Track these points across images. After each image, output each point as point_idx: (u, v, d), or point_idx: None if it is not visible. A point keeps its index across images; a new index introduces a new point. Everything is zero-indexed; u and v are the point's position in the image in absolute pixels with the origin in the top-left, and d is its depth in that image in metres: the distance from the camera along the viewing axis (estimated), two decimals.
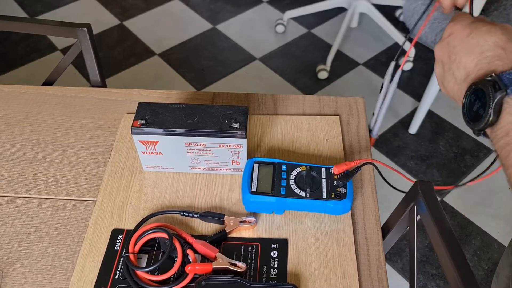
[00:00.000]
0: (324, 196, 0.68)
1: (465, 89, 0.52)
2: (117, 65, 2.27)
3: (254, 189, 0.69)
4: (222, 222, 0.70)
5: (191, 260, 0.65)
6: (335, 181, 0.70)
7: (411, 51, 2.24)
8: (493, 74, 0.48)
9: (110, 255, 0.67)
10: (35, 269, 0.66)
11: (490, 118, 0.48)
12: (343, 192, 0.68)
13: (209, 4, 2.61)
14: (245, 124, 0.70)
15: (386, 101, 0.60)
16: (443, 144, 1.95)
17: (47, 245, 0.69)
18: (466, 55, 0.52)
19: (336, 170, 0.70)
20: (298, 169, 0.71)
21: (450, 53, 0.54)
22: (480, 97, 0.49)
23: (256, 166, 0.72)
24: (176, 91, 0.91)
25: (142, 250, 0.67)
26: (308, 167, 0.71)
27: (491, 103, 0.47)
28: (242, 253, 0.67)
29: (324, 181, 0.70)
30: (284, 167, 0.71)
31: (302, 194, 0.68)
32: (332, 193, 0.68)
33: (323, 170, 0.71)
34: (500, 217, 1.69)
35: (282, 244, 0.68)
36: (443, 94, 2.18)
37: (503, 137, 0.47)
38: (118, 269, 0.65)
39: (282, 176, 0.70)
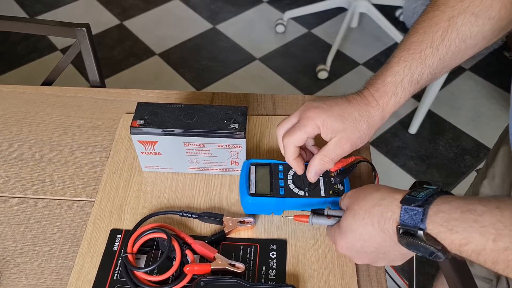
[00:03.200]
0: (322, 194, 0.68)
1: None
2: (117, 65, 2.27)
3: (252, 191, 0.68)
4: (221, 223, 0.69)
5: (189, 260, 0.64)
6: (332, 179, 0.70)
7: None
8: (398, 226, 0.49)
9: (108, 255, 0.67)
10: (33, 269, 0.66)
11: (444, 257, 0.46)
12: (341, 189, 0.68)
13: (209, 4, 2.61)
14: (244, 124, 0.69)
15: None
16: (443, 144, 1.95)
17: (45, 245, 0.69)
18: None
19: (332, 167, 0.70)
20: None
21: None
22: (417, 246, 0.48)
23: (252, 168, 0.71)
24: (175, 91, 0.91)
25: (140, 251, 0.67)
26: (304, 165, 0.71)
27: (430, 247, 0.46)
28: (241, 254, 0.67)
29: (321, 179, 0.70)
30: (280, 167, 0.71)
31: (301, 193, 0.68)
32: (330, 191, 0.68)
33: None
34: None
35: (281, 244, 0.68)
36: (442, 94, 2.18)
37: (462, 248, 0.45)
38: (117, 269, 0.65)
39: (280, 177, 0.70)
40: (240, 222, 0.69)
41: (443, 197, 0.47)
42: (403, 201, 0.49)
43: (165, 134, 0.69)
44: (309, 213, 0.63)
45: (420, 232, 0.46)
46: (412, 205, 0.47)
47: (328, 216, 0.62)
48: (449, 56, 0.60)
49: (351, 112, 0.62)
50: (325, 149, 0.63)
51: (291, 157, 0.65)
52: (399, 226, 0.48)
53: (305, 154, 0.69)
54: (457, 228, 0.44)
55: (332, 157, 0.63)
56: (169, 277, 0.63)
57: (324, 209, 0.63)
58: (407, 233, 0.47)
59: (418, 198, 0.48)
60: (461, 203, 0.45)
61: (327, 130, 0.61)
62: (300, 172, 0.67)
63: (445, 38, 0.59)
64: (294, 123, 0.64)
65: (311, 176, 0.65)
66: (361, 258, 0.57)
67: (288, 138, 0.64)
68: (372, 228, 0.52)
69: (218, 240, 0.68)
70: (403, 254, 0.54)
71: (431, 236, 0.46)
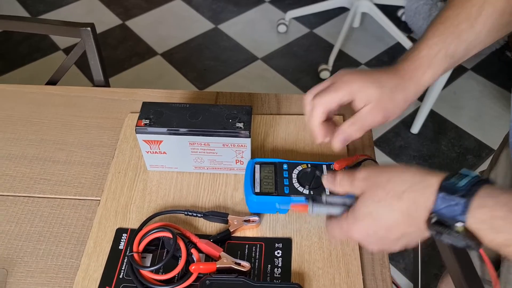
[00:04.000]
0: (327, 192, 0.68)
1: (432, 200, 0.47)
2: (120, 64, 2.28)
3: (257, 189, 0.69)
4: (226, 222, 0.70)
5: (195, 259, 0.65)
6: None
7: None
8: (431, 215, 0.45)
9: (114, 254, 0.67)
10: (39, 268, 0.67)
11: (476, 250, 0.44)
12: None
13: (211, 4, 2.61)
14: (249, 123, 0.70)
15: None
16: (445, 144, 1.95)
17: (51, 244, 0.69)
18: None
19: (337, 166, 0.70)
20: (299, 168, 0.71)
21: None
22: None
23: (257, 167, 0.71)
24: (179, 91, 0.91)
25: (146, 250, 0.67)
26: (309, 164, 0.71)
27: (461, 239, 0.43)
28: (246, 253, 0.67)
29: None
30: (285, 166, 0.71)
31: (306, 191, 0.68)
32: None
33: (324, 167, 0.71)
34: None
35: (286, 243, 0.68)
36: (445, 93, 2.17)
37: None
38: (123, 268, 0.66)
39: (284, 175, 0.70)
40: (245, 221, 0.69)
41: (487, 188, 0.43)
42: (441, 189, 0.44)
43: (170, 134, 0.70)
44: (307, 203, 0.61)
45: (458, 225, 0.43)
46: (453, 195, 0.43)
47: (328, 203, 0.59)
48: (485, 32, 0.58)
49: (387, 81, 0.59)
50: (357, 115, 0.60)
51: (316, 119, 0.61)
52: (432, 215, 0.45)
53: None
54: (501, 228, 0.41)
55: (363, 124, 0.60)
56: (174, 276, 0.64)
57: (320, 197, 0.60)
58: (440, 224, 0.44)
59: (459, 187, 0.43)
60: (509, 199, 0.41)
61: (362, 96, 0.58)
62: (319, 139, 0.63)
63: (482, 13, 0.57)
64: (327, 87, 0.61)
65: (337, 143, 0.62)
66: (379, 245, 0.53)
67: (319, 98, 0.60)
68: (400, 215, 0.48)
69: (224, 239, 0.68)
70: (421, 238, 0.50)
71: (468, 231, 0.43)
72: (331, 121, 0.65)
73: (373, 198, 0.50)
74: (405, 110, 0.61)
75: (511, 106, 0.67)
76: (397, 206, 0.48)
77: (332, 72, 2.19)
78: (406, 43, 2.21)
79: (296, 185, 0.69)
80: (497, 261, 0.82)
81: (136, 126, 0.69)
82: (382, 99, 0.58)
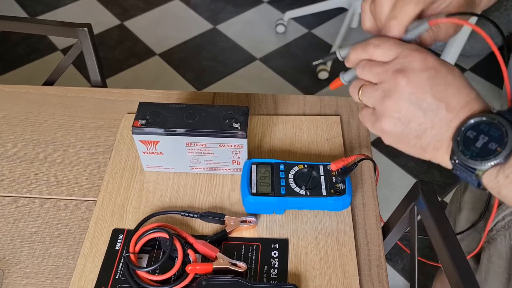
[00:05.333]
0: (324, 193, 0.68)
1: (455, 127, 0.45)
2: (118, 65, 2.27)
3: (254, 190, 0.69)
4: (223, 222, 0.70)
5: (191, 260, 0.65)
6: (333, 178, 0.70)
7: None
8: (492, 109, 0.45)
9: (110, 255, 0.67)
10: (35, 269, 0.66)
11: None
12: (342, 188, 0.69)
13: (210, 4, 2.61)
14: (246, 124, 0.70)
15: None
16: None
17: (47, 245, 0.69)
18: (453, 91, 0.46)
19: (333, 166, 0.70)
20: (296, 168, 0.71)
21: (419, 94, 0.46)
22: (486, 131, 0.44)
23: (254, 167, 0.71)
24: (176, 91, 0.91)
25: (142, 250, 0.67)
26: (305, 165, 0.71)
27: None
28: (242, 253, 0.67)
29: (322, 178, 0.70)
30: (282, 167, 0.71)
31: (302, 192, 0.68)
32: (332, 190, 0.68)
33: (321, 167, 0.71)
34: None
35: (283, 244, 0.68)
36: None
37: None
38: (119, 269, 0.65)
39: (281, 176, 0.70)
40: (242, 221, 0.69)
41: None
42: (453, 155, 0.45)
43: (167, 134, 0.69)
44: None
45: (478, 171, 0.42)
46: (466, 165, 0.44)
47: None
48: None
49: None
50: None
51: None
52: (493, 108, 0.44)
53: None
54: None
55: None
56: (171, 277, 0.64)
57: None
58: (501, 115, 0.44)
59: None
60: None
61: None
62: (367, 25, 0.54)
63: None
64: None
65: (398, 25, 0.50)
66: (400, 138, 0.48)
67: None
68: (430, 114, 0.45)
69: (220, 240, 0.68)
70: (446, 125, 0.46)
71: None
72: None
73: (430, 73, 0.46)
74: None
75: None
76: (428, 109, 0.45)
77: (331, 73, 2.19)
78: None
79: (293, 185, 0.69)
80: (478, 254, 0.83)
81: (133, 126, 0.69)
82: None
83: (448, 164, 0.47)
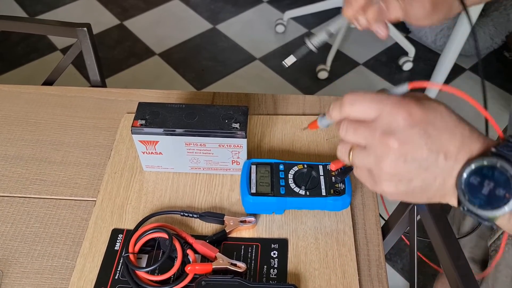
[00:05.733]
0: (323, 193, 0.68)
1: (457, 174, 0.43)
2: (117, 65, 2.27)
3: (253, 190, 0.69)
4: (222, 222, 0.70)
5: (191, 260, 0.65)
6: (333, 178, 0.70)
7: (411, 51, 2.24)
8: (492, 148, 0.42)
9: (110, 255, 0.67)
10: (35, 269, 0.66)
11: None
12: (341, 188, 0.68)
13: (209, 4, 2.61)
14: (245, 124, 0.70)
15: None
16: None
17: (47, 245, 0.69)
18: (447, 137, 0.43)
19: (333, 166, 0.70)
20: (295, 168, 0.71)
21: (418, 140, 0.43)
22: (491, 175, 0.41)
23: (253, 167, 0.71)
24: (176, 91, 0.91)
25: (142, 250, 0.67)
26: (305, 165, 0.71)
27: None
28: (242, 253, 0.67)
29: (322, 178, 0.70)
30: (281, 167, 0.71)
31: (302, 192, 0.68)
32: (331, 190, 0.68)
33: (320, 167, 0.71)
34: None
35: (282, 244, 0.68)
36: (443, 93, 2.17)
37: None
38: (118, 269, 0.65)
39: (281, 176, 0.70)
40: (241, 221, 0.69)
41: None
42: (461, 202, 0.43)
43: (166, 134, 0.69)
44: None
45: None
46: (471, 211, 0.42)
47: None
48: None
49: None
50: None
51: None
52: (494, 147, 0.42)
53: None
54: None
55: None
56: (170, 277, 0.64)
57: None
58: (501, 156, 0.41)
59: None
60: None
61: None
62: (348, 13, 0.58)
63: None
64: None
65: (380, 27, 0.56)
66: (404, 189, 0.46)
67: None
68: (447, 125, 0.44)
69: (219, 240, 0.68)
70: (448, 171, 0.44)
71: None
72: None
73: (422, 132, 0.44)
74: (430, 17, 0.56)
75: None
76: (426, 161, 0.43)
77: (330, 73, 2.19)
78: (404, 43, 2.21)
79: (292, 185, 0.69)
80: (485, 261, 0.83)
81: (132, 126, 0.69)
82: None
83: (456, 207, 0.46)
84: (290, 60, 0.62)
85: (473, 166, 0.42)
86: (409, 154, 0.43)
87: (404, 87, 0.47)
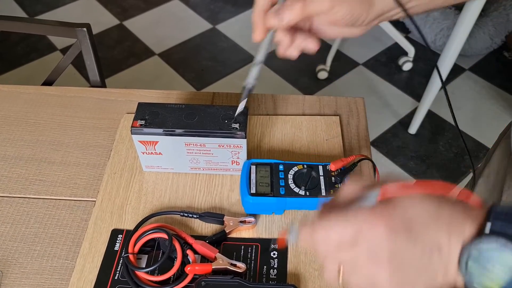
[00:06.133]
0: (323, 193, 0.68)
1: (456, 268, 0.40)
2: (117, 65, 2.27)
3: (253, 190, 0.69)
4: (222, 223, 0.69)
5: (190, 260, 0.64)
6: (333, 178, 0.70)
7: (410, 51, 2.24)
8: (486, 229, 0.38)
9: (109, 255, 0.67)
10: (34, 269, 0.66)
11: None
12: None
13: (209, 4, 2.61)
14: (245, 124, 0.70)
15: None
16: (443, 144, 1.95)
17: (46, 245, 0.69)
18: (433, 229, 0.40)
19: (333, 166, 0.70)
20: (295, 168, 0.71)
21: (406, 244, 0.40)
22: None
23: (253, 167, 0.71)
24: (175, 91, 0.91)
25: (141, 251, 0.67)
26: (305, 165, 0.71)
27: None
28: (242, 254, 0.67)
29: (322, 178, 0.70)
30: (281, 167, 0.71)
31: (302, 192, 0.68)
32: (331, 190, 0.68)
33: (320, 167, 0.71)
34: None
35: None
36: (442, 94, 2.17)
37: None
38: (118, 269, 0.65)
39: (280, 176, 0.70)
40: (241, 222, 0.69)
41: None
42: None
43: (166, 134, 0.69)
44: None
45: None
46: None
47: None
48: None
49: None
50: None
51: (261, 7, 0.51)
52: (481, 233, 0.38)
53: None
54: None
55: (313, 9, 0.50)
56: (170, 277, 0.63)
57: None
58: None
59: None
60: None
61: None
62: (257, 37, 0.53)
63: None
64: None
65: (278, 22, 0.50)
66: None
67: None
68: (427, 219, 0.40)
69: (219, 240, 0.68)
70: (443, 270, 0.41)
71: None
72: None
73: (405, 236, 0.41)
74: (367, 17, 0.52)
75: None
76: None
77: (330, 73, 2.19)
78: (404, 44, 2.21)
79: (292, 185, 0.69)
80: None
81: (132, 126, 0.69)
82: None
83: None
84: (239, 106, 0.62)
85: (469, 254, 0.39)
86: (403, 264, 0.41)
87: (373, 199, 0.44)
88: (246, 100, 0.60)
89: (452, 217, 0.40)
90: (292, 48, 0.56)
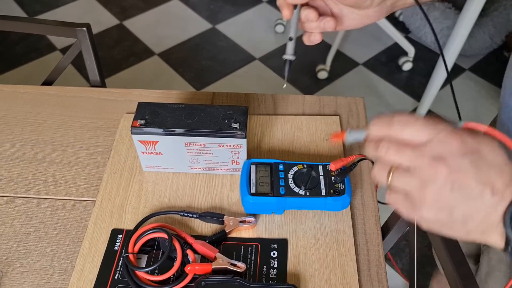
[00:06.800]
0: (323, 193, 0.68)
1: (503, 210, 0.42)
2: (117, 65, 2.27)
3: (253, 190, 0.69)
4: (222, 222, 0.69)
5: (190, 260, 0.64)
6: (333, 178, 0.70)
7: (410, 51, 2.24)
8: None
9: (109, 255, 0.67)
10: (34, 269, 0.66)
11: None
12: (341, 188, 0.68)
13: (209, 4, 2.61)
14: (245, 124, 0.70)
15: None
16: None
17: (46, 245, 0.69)
18: (496, 172, 0.43)
19: (333, 166, 0.70)
20: (295, 168, 0.71)
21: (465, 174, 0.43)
22: None
23: (253, 167, 0.71)
24: (175, 91, 0.91)
25: (141, 250, 0.67)
26: (305, 165, 0.71)
27: None
28: (241, 253, 0.67)
29: (322, 178, 0.70)
30: (281, 167, 0.71)
31: (301, 192, 0.68)
32: (331, 190, 0.68)
33: (320, 167, 0.71)
34: None
35: (282, 244, 0.68)
36: (442, 94, 2.17)
37: None
38: (118, 269, 0.65)
39: (280, 176, 0.70)
40: (241, 221, 0.69)
41: None
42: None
43: (166, 134, 0.69)
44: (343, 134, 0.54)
45: None
46: None
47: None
48: None
49: None
50: None
51: None
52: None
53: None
54: None
55: None
56: (170, 277, 0.63)
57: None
58: None
59: None
60: None
61: None
62: (285, 15, 0.60)
63: None
64: None
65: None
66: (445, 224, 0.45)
67: None
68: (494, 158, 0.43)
69: (219, 240, 0.68)
70: (494, 207, 0.43)
71: None
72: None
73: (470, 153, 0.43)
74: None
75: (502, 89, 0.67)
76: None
77: (330, 73, 2.19)
78: (404, 44, 2.21)
79: (292, 185, 0.69)
80: (477, 256, 0.83)
81: (132, 126, 0.69)
82: None
83: (498, 245, 0.45)
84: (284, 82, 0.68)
85: None
86: (457, 182, 0.43)
87: (460, 124, 0.46)
88: (288, 68, 0.66)
89: None
90: (315, 31, 0.60)
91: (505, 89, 0.67)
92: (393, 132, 0.46)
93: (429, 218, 0.45)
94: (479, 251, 0.81)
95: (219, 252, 0.65)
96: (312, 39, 0.60)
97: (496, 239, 0.44)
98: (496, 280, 0.76)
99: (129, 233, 0.68)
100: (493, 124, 0.87)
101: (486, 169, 0.43)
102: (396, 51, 2.31)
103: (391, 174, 0.46)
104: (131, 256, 0.64)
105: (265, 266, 0.65)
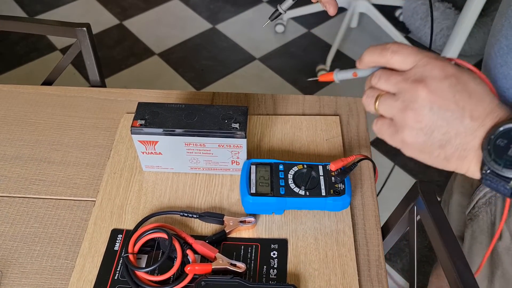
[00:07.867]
0: (323, 193, 0.68)
1: (483, 136, 0.44)
2: (117, 65, 2.27)
3: (253, 190, 0.69)
4: (222, 222, 0.69)
5: (190, 260, 0.64)
6: (332, 178, 0.70)
7: None
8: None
9: (109, 255, 0.67)
10: (34, 269, 0.66)
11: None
12: (341, 188, 0.68)
13: (209, 4, 2.61)
14: (245, 124, 0.70)
15: None
16: None
17: (46, 245, 0.69)
18: (476, 100, 0.44)
19: (333, 166, 0.70)
20: (295, 168, 0.71)
21: (446, 103, 0.44)
22: None
23: (253, 167, 0.71)
24: (175, 91, 0.91)
25: (141, 251, 0.67)
26: (305, 165, 0.71)
27: None
28: (241, 254, 0.67)
29: (322, 178, 0.70)
30: (281, 167, 0.71)
31: (301, 192, 0.68)
32: (331, 190, 0.68)
33: (320, 167, 0.71)
34: None
35: (282, 244, 0.68)
36: None
37: None
38: (118, 269, 0.65)
39: (280, 176, 0.70)
40: (241, 221, 0.69)
41: None
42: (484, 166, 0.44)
43: (166, 134, 0.69)
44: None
45: None
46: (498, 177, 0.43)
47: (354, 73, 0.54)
48: None
49: None
50: None
51: None
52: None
53: None
54: None
55: None
56: (170, 277, 0.63)
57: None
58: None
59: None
60: None
61: None
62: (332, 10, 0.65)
63: None
64: None
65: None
66: (422, 147, 0.47)
67: None
68: (476, 90, 0.45)
69: (219, 240, 0.68)
70: (472, 133, 0.45)
71: None
72: None
73: (450, 81, 0.45)
74: None
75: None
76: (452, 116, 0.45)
77: None
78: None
79: (292, 185, 0.69)
80: (461, 237, 0.84)
81: (132, 126, 0.69)
82: None
83: (474, 174, 0.46)
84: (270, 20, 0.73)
85: (501, 129, 0.43)
86: (436, 104, 0.44)
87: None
88: (275, 16, 0.72)
89: (497, 103, 0.45)
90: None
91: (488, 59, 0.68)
92: (384, 60, 0.48)
93: (410, 141, 0.47)
94: (462, 234, 0.83)
95: (219, 252, 0.65)
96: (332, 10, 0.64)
97: (474, 168, 0.46)
98: (478, 252, 0.78)
99: (129, 233, 0.68)
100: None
101: (466, 94, 0.44)
102: None
103: (377, 100, 0.49)
104: (131, 256, 0.64)
105: (265, 266, 0.65)
